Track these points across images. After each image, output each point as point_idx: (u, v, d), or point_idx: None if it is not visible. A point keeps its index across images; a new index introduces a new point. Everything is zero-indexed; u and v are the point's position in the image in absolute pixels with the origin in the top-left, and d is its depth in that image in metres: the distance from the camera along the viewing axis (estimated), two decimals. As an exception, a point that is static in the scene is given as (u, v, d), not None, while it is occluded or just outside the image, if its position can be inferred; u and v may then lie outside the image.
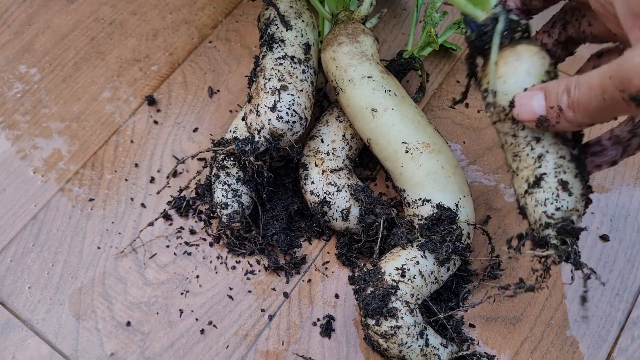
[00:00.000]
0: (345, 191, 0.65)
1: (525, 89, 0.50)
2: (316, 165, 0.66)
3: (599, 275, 0.58)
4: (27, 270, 0.67)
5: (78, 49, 0.83)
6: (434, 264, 0.59)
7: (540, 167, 0.51)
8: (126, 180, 0.72)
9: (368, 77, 0.64)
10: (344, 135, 0.68)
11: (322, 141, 0.67)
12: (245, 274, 0.66)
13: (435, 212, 0.60)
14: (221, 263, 0.67)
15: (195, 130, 0.75)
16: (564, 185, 0.50)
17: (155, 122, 0.76)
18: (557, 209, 0.50)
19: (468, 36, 0.53)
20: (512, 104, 0.50)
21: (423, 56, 0.74)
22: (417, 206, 0.62)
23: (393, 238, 0.62)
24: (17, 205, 0.71)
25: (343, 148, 0.67)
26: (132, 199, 0.71)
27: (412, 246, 0.60)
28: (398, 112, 0.63)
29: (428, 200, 0.61)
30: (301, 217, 0.69)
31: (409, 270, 0.58)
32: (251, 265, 0.67)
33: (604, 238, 0.68)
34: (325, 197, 0.64)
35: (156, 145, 0.75)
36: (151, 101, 0.77)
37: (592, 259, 0.67)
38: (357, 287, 0.61)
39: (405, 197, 0.64)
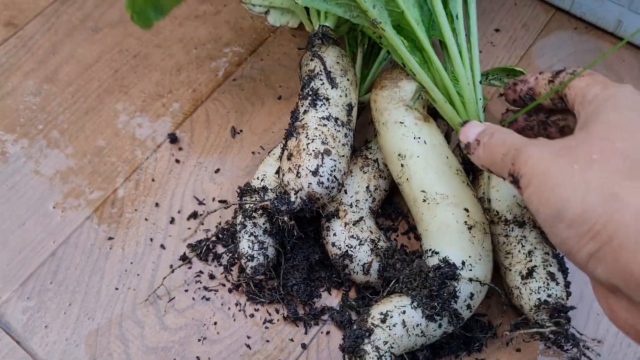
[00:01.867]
0: (367, 245, 0.64)
1: (514, 196, 0.62)
2: (339, 217, 0.66)
3: (598, 344, 0.62)
4: (44, 308, 0.67)
5: (102, 81, 0.83)
6: (422, 317, 0.58)
7: (531, 261, 0.61)
8: (146, 219, 0.72)
9: (400, 122, 0.65)
10: (367, 187, 0.68)
11: (346, 192, 0.67)
12: (264, 323, 0.66)
13: (436, 265, 0.60)
14: (240, 310, 0.66)
15: (217, 171, 0.75)
16: (551, 276, 0.60)
17: (177, 161, 0.76)
18: (549, 295, 0.59)
19: (464, 155, 0.65)
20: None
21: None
22: (427, 256, 0.62)
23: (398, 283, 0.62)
24: (36, 241, 0.71)
25: (366, 200, 0.67)
26: (151, 240, 0.71)
27: (407, 295, 0.59)
28: (423, 160, 0.64)
29: (437, 252, 0.61)
30: (321, 267, 0.69)
31: (391, 317, 0.58)
32: (270, 314, 0.66)
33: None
34: (347, 251, 0.64)
35: (177, 184, 0.74)
36: (173, 139, 0.77)
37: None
38: (340, 318, 0.65)
39: (421, 245, 0.64)
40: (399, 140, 0.65)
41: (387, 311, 0.58)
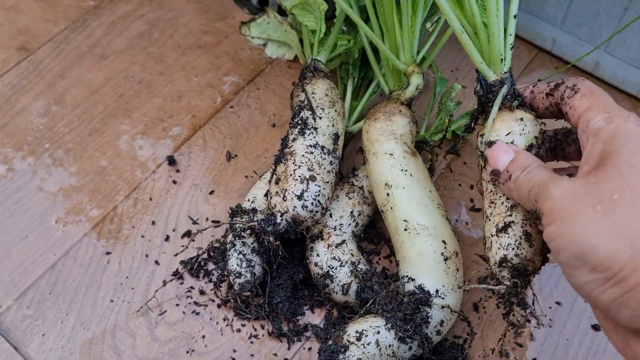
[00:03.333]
0: (348, 267, 0.68)
1: (512, 142, 0.57)
2: (322, 239, 0.70)
3: (545, 316, 0.64)
4: (42, 317, 0.70)
5: (107, 104, 0.88)
6: (394, 339, 0.62)
7: (510, 215, 0.57)
8: (142, 236, 0.76)
9: (390, 154, 0.69)
10: (351, 212, 0.72)
11: (331, 215, 0.71)
12: (249, 338, 0.69)
13: (411, 291, 0.63)
14: (227, 325, 0.70)
15: (212, 192, 0.80)
16: (527, 236, 0.56)
17: (174, 182, 0.81)
18: (517, 255, 0.55)
19: (477, 91, 0.62)
20: (490, 144, 0.57)
21: (434, 140, 0.78)
22: (404, 282, 0.65)
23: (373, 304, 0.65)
24: (37, 253, 0.75)
25: (350, 224, 0.71)
26: (147, 256, 0.75)
27: (382, 316, 0.63)
28: (407, 191, 0.68)
29: (413, 279, 0.64)
30: (305, 286, 0.72)
31: (366, 336, 0.61)
32: (255, 330, 0.70)
33: (596, 328, 0.71)
34: (328, 271, 0.68)
35: (173, 204, 0.79)
36: (171, 161, 0.82)
37: (583, 347, 0.70)
38: (325, 335, 0.67)
39: (399, 271, 0.67)
40: (387, 171, 0.69)
41: (362, 330, 0.62)
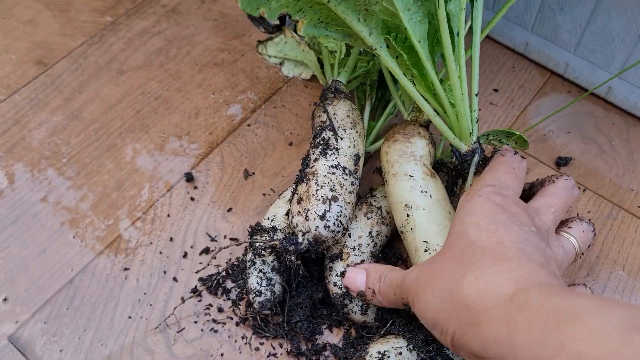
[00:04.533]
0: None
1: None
2: (342, 259, 0.70)
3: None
4: (59, 333, 0.70)
5: (124, 120, 0.89)
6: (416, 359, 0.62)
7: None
8: (160, 253, 0.76)
9: (410, 175, 0.70)
10: (370, 232, 0.72)
11: (350, 236, 0.72)
12: (268, 356, 0.69)
13: None
14: (245, 343, 0.70)
15: (229, 210, 0.80)
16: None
17: (192, 199, 0.81)
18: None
19: (452, 162, 0.71)
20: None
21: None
22: None
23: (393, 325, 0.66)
24: (55, 268, 0.75)
25: (368, 245, 0.72)
26: (164, 272, 0.75)
27: (404, 337, 0.64)
28: (427, 212, 0.68)
29: None
30: (324, 305, 0.73)
31: (388, 357, 0.61)
32: (274, 348, 0.70)
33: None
34: (347, 291, 0.68)
35: (191, 221, 0.79)
36: (189, 178, 0.82)
37: None
38: (344, 355, 0.68)
39: None
40: (407, 192, 0.69)
41: (384, 350, 0.62)
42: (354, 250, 0.71)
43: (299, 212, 0.67)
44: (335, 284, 0.70)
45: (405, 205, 0.69)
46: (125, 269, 0.75)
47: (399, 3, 0.63)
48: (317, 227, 0.66)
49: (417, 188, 0.69)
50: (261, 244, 0.69)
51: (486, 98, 0.92)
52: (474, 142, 0.69)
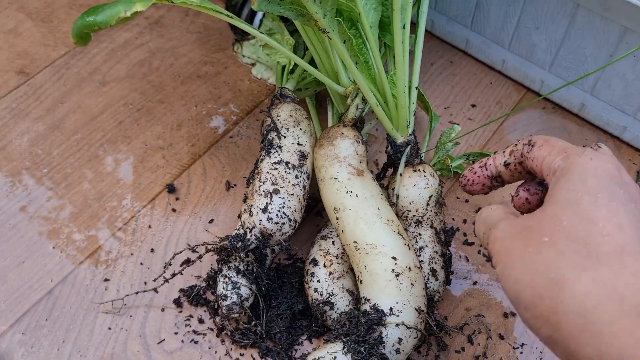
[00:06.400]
0: (348, 296, 0.70)
1: (419, 195, 0.69)
2: (325, 266, 0.71)
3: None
4: (38, 344, 0.70)
5: (106, 131, 0.89)
6: None
7: (420, 256, 0.70)
8: (141, 264, 0.77)
9: (335, 178, 0.70)
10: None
11: (334, 243, 0.73)
12: (248, 367, 0.70)
13: (364, 311, 0.64)
14: (225, 354, 0.71)
15: (211, 221, 0.81)
16: (433, 272, 0.71)
17: (174, 210, 0.81)
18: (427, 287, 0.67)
19: (387, 151, 0.74)
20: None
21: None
22: (362, 304, 0.66)
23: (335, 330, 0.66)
24: (34, 279, 0.75)
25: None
26: (145, 283, 0.75)
27: (341, 340, 0.64)
28: (354, 213, 0.68)
29: (368, 300, 0.65)
30: (303, 316, 0.73)
31: None
32: (254, 359, 0.70)
33: None
34: (328, 298, 0.69)
35: (172, 232, 0.79)
36: (171, 189, 0.83)
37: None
38: None
39: (358, 293, 0.69)
40: (334, 195, 0.70)
41: (319, 357, 0.62)
42: (337, 258, 0.72)
43: (244, 210, 0.69)
44: (315, 290, 0.70)
45: (334, 209, 0.69)
46: (106, 279, 0.75)
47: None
48: (261, 220, 0.67)
49: (343, 189, 0.70)
50: (211, 246, 0.70)
51: (464, 114, 0.94)
52: (410, 135, 0.72)
